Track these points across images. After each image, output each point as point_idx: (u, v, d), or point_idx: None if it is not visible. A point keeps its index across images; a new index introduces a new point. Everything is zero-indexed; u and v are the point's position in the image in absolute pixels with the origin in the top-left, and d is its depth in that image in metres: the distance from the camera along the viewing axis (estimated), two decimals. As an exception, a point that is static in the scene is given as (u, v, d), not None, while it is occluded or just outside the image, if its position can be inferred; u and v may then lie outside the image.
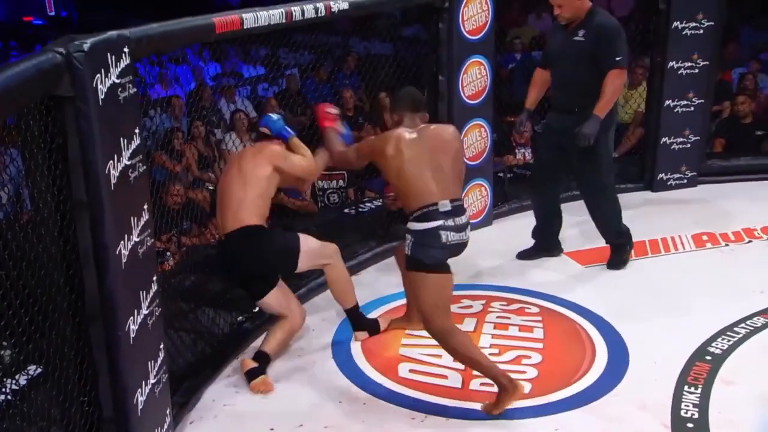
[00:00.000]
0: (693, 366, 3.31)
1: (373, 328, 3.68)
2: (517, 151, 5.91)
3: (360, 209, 5.21)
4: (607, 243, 4.33)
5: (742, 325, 3.65)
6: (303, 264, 3.46)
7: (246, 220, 3.35)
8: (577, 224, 4.99)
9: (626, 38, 3.98)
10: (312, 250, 3.47)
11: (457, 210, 3.03)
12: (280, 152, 3.46)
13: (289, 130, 3.56)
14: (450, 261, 4.47)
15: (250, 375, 3.29)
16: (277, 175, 3.44)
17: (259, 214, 3.39)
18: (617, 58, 3.83)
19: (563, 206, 4.72)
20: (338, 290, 3.59)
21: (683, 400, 3.09)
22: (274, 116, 3.61)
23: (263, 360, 3.36)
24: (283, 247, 3.42)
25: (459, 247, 3.08)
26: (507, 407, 3.02)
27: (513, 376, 3.27)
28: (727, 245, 4.62)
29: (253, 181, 3.38)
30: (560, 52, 4.05)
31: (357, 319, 3.66)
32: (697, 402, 3.07)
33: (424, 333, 3.65)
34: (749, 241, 4.66)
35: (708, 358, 3.38)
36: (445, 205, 2.99)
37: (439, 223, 2.96)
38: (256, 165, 3.41)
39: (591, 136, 3.85)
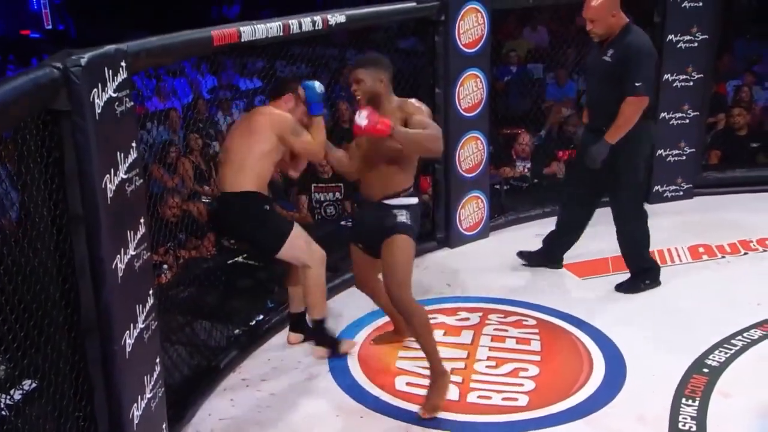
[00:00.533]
0: (690, 378, 3.31)
1: (333, 346, 3.59)
2: (517, 163, 5.91)
3: (357, 221, 5.21)
4: (628, 270, 4.23)
5: (739, 337, 3.64)
6: (285, 254, 3.40)
7: (245, 185, 3.32)
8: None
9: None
10: (298, 245, 3.41)
11: None
12: (289, 124, 3.34)
13: (322, 107, 3.41)
14: (445, 273, 4.48)
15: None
16: (281, 145, 3.36)
17: (259, 177, 3.34)
18: (636, 84, 3.67)
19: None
20: (311, 298, 3.51)
21: (681, 412, 3.09)
22: (318, 87, 3.37)
23: (301, 325, 3.62)
24: (272, 229, 3.38)
25: None
26: (442, 402, 3.11)
27: (510, 388, 3.30)
28: (723, 257, 4.63)
29: (260, 141, 3.31)
30: (591, 69, 3.96)
31: (320, 334, 3.59)
32: (695, 414, 3.07)
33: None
34: (745, 253, 4.67)
35: (705, 370, 3.38)
36: None
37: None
38: (263, 128, 3.33)
39: (597, 160, 3.77)
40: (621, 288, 4.18)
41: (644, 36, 3.83)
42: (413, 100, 3.17)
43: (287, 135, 3.33)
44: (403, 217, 3.12)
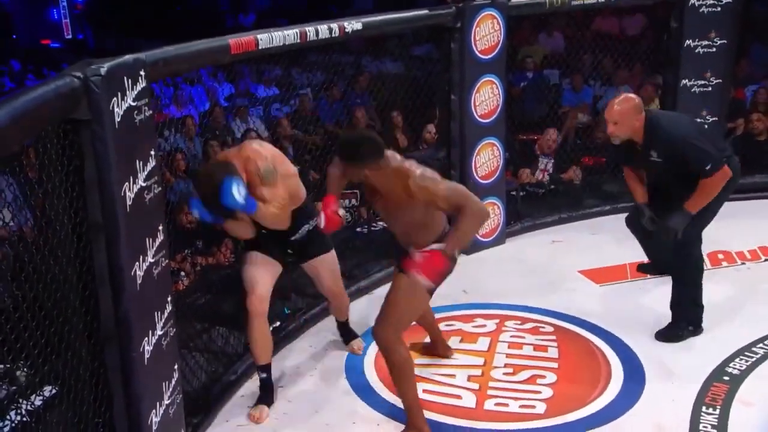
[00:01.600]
0: (710, 387, 3.28)
1: (270, 400, 3.29)
2: (540, 159, 5.87)
3: (372, 228, 5.21)
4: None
5: (761, 345, 3.60)
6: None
7: None
8: (592, 242, 4.97)
9: (702, 131, 3.57)
10: (243, 276, 3.22)
11: None
12: (260, 159, 3.00)
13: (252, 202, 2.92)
14: (462, 279, 4.44)
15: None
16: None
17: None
18: (707, 167, 3.38)
19: (581, 223, 4.57)
20: (248, 339, 3.25)
21: (701, 421, 3.05)
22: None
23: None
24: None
25: None
26: None
27: (528, 396, 3.27)
28: (743, 264, 4.58)
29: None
30: (642, 166, 3.66)
31: (264, 382, 3.31)
32: (716, 423, 3.03)
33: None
34: (765, 260, 4.62)
35: (726, 378, 3.34)
36: None
37: None
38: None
39: (677, 231, 3.49)
40: (659, 335, 3.73)
41: (672, 117, 3.64)
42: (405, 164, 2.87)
43: (252, 168, 2.97)
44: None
